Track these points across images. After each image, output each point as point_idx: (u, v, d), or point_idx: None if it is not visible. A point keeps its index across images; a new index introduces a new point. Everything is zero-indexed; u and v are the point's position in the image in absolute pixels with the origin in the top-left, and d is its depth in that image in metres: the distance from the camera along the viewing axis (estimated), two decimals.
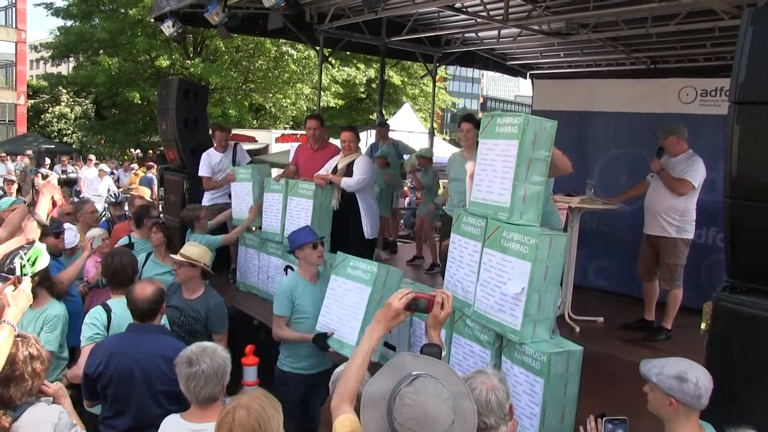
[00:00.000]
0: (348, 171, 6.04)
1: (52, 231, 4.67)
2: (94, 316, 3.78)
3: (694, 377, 2.56)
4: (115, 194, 8.06)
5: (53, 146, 22.42)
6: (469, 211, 4.00)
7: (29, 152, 17.96)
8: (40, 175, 4.14)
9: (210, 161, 7.27)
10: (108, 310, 3.79)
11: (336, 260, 4.34)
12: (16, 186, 13.75)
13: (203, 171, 7.29)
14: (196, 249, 4.59)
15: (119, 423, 3.30)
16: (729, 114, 2.79)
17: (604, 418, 2.65)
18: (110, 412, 3.35)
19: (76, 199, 10.23)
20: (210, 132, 7.90)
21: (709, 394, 2.58)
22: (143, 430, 3.24)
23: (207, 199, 7.36)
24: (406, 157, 9.53)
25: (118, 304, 3.77)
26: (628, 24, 7.55)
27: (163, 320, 3.76)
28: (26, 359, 2.63)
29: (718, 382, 2.63)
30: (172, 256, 4.66)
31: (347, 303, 4.11)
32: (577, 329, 5.66)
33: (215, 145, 7.35)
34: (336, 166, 6.13)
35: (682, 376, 2.56)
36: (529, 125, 3.58)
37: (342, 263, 4.27)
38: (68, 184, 4.64)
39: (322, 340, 4.10)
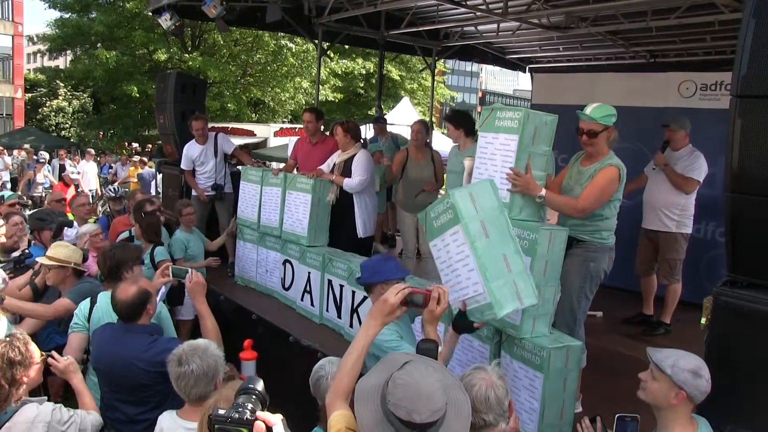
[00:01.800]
0: (346, 167, 5.99)
1: (47, 226, 4.63)
2: (81, 306, 3.76)
3: (707, 374, 2.57)
4: (114, 189, 8.03)
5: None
6: None
7: (27, 146, 17.89)
8: None
9: (190, 154, 7.25)
10: (93, 302, 3.75)
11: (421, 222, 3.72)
12: (9, 180, 13.82)
13: (183, 164, 7.36)
14: (64, 249, 4.32)
15: (110, 415, 3.31)
16: (731, 107, 2.77)
17: (616, 416, 2.62)
18: (103, 403, 3.37)
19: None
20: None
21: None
22: (128, 424, 3.26)
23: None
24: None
25: (105, 297, 3.73)
26: (628, 17, 7.52)
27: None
28: (3, 366, 2.57)
29: (718, 377, 2.62)
30: (38, 259, 4.43)
31: (456, 260, 3.18)
32: None
33: (195, 137, 7.28)
34: (335, 162, 6.10)
35: (698, 372, 2.56)
36: (529, 120, 3.56)
37: (428, 224, 3.37)
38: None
39: (462, 320, 3.11)
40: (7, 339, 2.66)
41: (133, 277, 3.68)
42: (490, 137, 3.80)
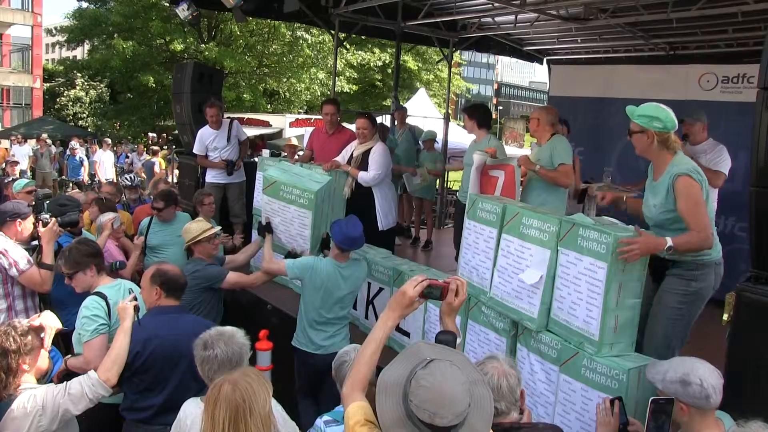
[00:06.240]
0: (364, 160, 5.96)
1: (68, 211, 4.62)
2: (94, 307, 3.54)
3: (698, 378, 2.48)
4: (130, 178, 8.07)
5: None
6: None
7: (43, 136, 18.06)
8: (41, 222, 4.14)
9: (202, 138, 7.36)
10: (104, 297, 3.60)
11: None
12: (19, 167, 13.98)
13: (195, 148, 7.46)
14: (196, 225, 4.75)
15: (150, 402, 3.26)
16: (758, 100, 2.72)
17: (650, 399, 2.56)
18: (139, 395, 3.29)
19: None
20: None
21: (718, 390, 2.50)
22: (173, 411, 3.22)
23: (209, 176, 7.44)
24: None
25: (111, 289, 3.69)
26: (648, 9, 7.40)
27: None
28: None
29: (740, 375, 2.58)
30: None
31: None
32: None
33: (209, 122, 7.37)
34: (352, 153, 6.06)
35: (685, 379, 2.49)
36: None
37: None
38: (71, 225, 4.58)
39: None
40: (9, 328, 2.67)
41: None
42: (573, 257, 3.36)
